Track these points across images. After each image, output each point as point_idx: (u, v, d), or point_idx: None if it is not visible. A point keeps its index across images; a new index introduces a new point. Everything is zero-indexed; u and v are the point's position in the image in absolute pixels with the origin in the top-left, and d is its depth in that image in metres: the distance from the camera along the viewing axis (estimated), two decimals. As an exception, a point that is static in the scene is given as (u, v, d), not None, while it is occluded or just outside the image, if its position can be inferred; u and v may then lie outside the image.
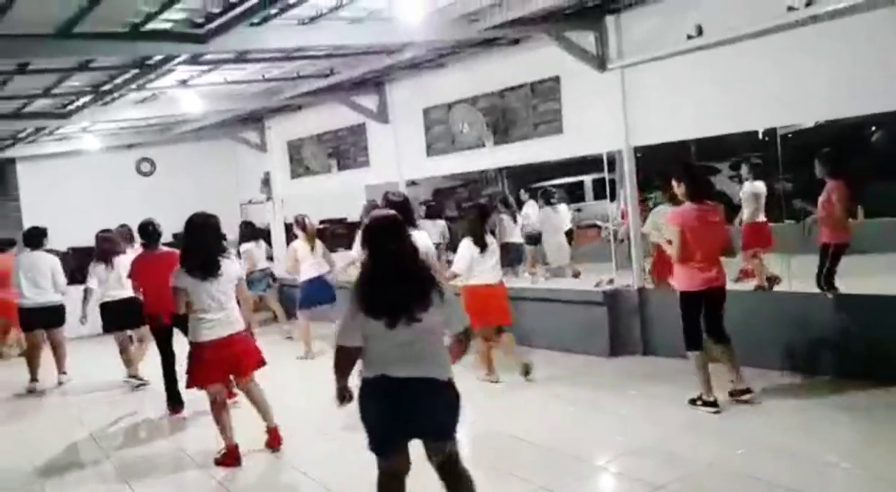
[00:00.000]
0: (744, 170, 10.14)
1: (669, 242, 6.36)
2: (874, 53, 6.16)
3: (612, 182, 9.65)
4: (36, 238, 9.79)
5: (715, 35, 7.05)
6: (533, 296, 9.17)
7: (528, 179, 16.09)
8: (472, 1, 7.01)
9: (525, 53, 9.06)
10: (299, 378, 9.25)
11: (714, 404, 6.18)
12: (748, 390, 6.35)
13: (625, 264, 8.92)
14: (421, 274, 3.90)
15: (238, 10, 6.26)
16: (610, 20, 8.08)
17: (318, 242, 10.20)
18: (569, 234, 12.63)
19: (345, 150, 12.68)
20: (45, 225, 10.03)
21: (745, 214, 9.76)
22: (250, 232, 12.03)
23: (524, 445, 5.94)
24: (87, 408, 8.59)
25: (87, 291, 9.15)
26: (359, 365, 4.00)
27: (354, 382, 4.01)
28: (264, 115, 14.13)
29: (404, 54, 8.96)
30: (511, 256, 11.16)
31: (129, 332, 9.45)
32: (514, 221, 11.91)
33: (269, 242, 13.44)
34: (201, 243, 6.03)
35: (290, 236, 10.99)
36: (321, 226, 14.86)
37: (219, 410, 6.10)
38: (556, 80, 8.86)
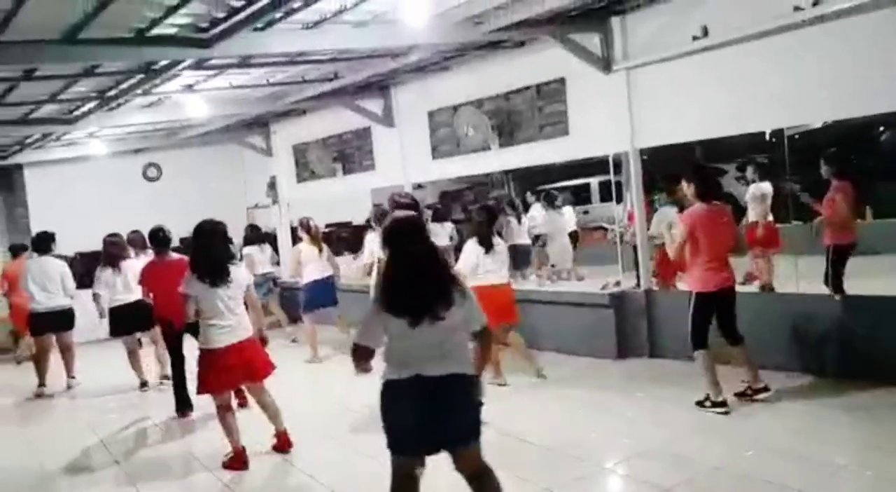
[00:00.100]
0: (749, 171, 10.12)
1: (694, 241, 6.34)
2: (881, 53, 6.12)
3: (619, 184, 9.63)
4: (44, 243, 9.83)
5: (720, 36, 7.03)
6: (540, 298, 9.16)
7: (535, 182, 16.09)
8: (477, 3, 7.02)
9: (530, 55, 9.05)
10: (306, 382, 9.28)
11: (723, 404, 6.16)
12: (765, 389, 6.35)
13: (631, 267, 8.91)
14: (443, 273, 3.94)
15: (242, 14, 6.28)
16: (615, 21, 8.07)
17: (324, 246, 10.22)
18: (574, 236, 12.62)
19: (350, 153, 12.68)
20: (52, 230, 10.05)
21: (751, 215, 9.74)
22: (255, 236, 12.04)
23: (531, 447, 5.93)
24: (95, 411, 8.61)
25: (95, 297, 9.17)
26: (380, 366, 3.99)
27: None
28: (270, 120, 14.16)
29: (409, 57, 8.97)
30: (519, 259, 11.15)
31: (138, 335, 9.49)
32: (519, 222, 11.90)
33: (274, 247, 13.45)
34: (210, 250, 6.04)
35: (295, 240, 11.02)
36: (327, 229, 14.93)
37: (225, 413, 6.11)
38: (562, 82, 8.85)
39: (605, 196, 16.24)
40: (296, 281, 10.68)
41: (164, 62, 7.84)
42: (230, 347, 5.98)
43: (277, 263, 12.79)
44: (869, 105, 6.56)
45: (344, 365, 9.55)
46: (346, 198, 14.69)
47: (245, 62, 8.70)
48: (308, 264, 10.04)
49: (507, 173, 17.58)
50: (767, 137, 9.05)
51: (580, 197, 18.09)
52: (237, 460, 6.07)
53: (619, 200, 9.75)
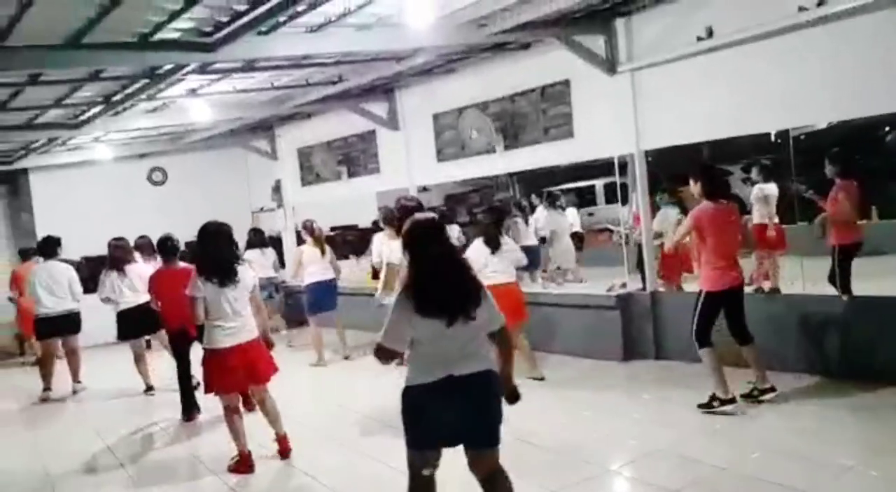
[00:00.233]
0: (754, 172, 10.11)
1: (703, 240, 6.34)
2: (886, 54, 6.11)
3: (624, 186, 9.63)
4: (50, 247, 9.88)
5: (725, 37, 7.02)
6: (546, 300, 9.14)
7: (540, 184, 16.08)
8: (482, 5, 7.01)
9: (535, 57, 9.06)
10: (310, 385, 9.28)
11: (732, 401, 6.15)
12: (771, 389, 6.34)
13: (636, 268, 8.90)
14: (467, 273, 3.95)
15: (246, 18, 6.28)
16: (619, 23, 8.06)
17: (328, 248, 10.23)
18: (579, 238, 12.60)
19: (355, 157, 12.69)
20: (58, 235, 10.09)
21: (755, 216, 9.72)
22: (258, 239, 12.03)
23: (537, 448, 5.92)
24: (101, 415, 8.64)
25: (106, 301, 9.19)
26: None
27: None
28: (274, 124, 14.17)
29: (414, 60, 8.96)
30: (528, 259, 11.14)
31: (146, 337, 9.52)
32: (526, 223, 11.90)
33: (279, 250, 13.45)
34: (215, 250, 6.04)
35: (300, 243, 11.03)
36: (332, 233, 14.95)
37: (232, 416, 6.10)
38: (566, 83, 8.84)
39: (611, 198, 16.27)
40: (298, 283, 10.68)
41: (168, 66, 7.86)
42: (234, 348, 5.98)
43: (282, 267, 12.76)
44: (874, 105, 6.54)
45: (345, 367, 9.71)
46: (352, 201, 14.71)
47: (249, 66, 8.70)
48: (310, 266, 10.07)
49: (511, 176, 17.60)
50: (772, 137, 9.04)
51: (585, 199, 18.11)
52: (243, 464, 6.07)
53: (625, 201, 9.74)
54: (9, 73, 7.54)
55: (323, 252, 10.08)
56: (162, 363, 9.40)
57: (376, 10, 6.90)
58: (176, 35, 6.71)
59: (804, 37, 6.52)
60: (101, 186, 14.34)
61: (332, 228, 15.42)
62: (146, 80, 8.49)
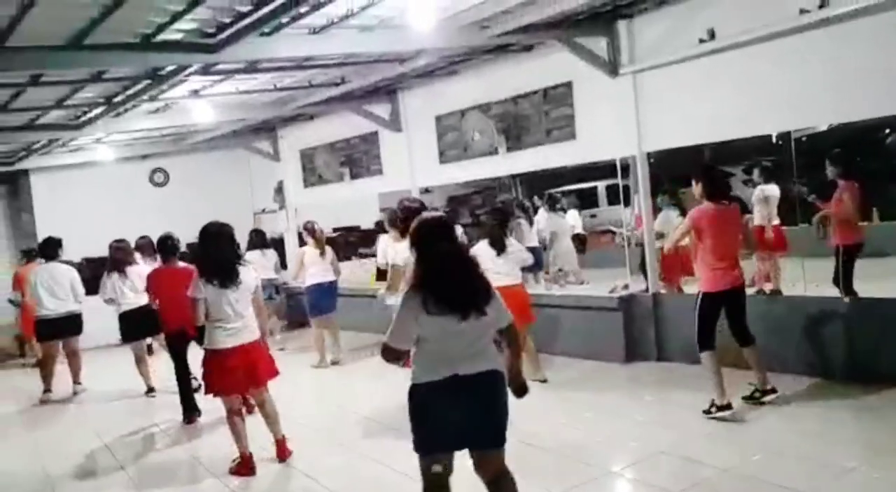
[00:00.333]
0: (756, 174, 10.11)
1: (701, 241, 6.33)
2: (887, 56, 6.10)
3: (626, 188, 9.62)
4: (51, 249, 9.87)
5: (727, 39, 7.02)
6: (548, 302, 9.13)
7: (542, 186, 16.08)
8: (484, 7, 7.01)
9: (537, 59, 9.06)
10: (311, 386, 9.26)
11: (728, 407, 6.13)
12: (773, 391, 6.33)
13: (639, 270, 8.89)
14: (475, 270, 3.94)
15: (249, 19, 6.28)
16: (622, 25, 8.06)
17: (329, 249, 10.22)
18: (582, 239, 12.58)
19: (357, 158, 12.68)
20: (59, 236, 10.08)
21: (756, 217, 9.72)
22: (259, 241, 11.94)
23: (538, 450, 5.90)
24: (102, 417, 8.64)
25: (109, 302, 9.19)
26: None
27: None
28: (277, 125, 14.16)
29: (416, 62, 8.95)
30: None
31: (149, 339, 9.53)
32: (530, 224, 11.91)
33: (281, 252, 13.44)
34: (217, 252, 6.03)
35: (302, 244, 11.03)
36: (335, 234, 14.94)
37: (234, 418, 6.09)
38: (569, 85, 8.84)
39: (613, 200, 16.25)
40: (299, 284, 10.66)
41: (170, 67, 7.86)
42: (236, 348, 5.97)
43: (283, 268, 12.73)
44: (875, 107, 6.53)
45: (346, 368, 9.70)
46: (354, 202, 14.71)
47: (252, 67, 8.70)
48: (311, 267, 10.07)
49: (514, 177, 17.57)
50: (774, 139, 9.03)
51: (588, 201, 18.08)
52: (244, 466, 6.07)
53: (627, 203, 9.73)
54: (10, 74, 7.53)
55: (323, 253, 10.07)
56: (163, 365, 9.37)
57: (379, 11, 6.90)
58: (178, 36, 6.71)
59: (806, 39, 6.51)
60: (102, 187, 14.34)
61: (335, 230, 15.42)
62: (148, 81, 8.49)
